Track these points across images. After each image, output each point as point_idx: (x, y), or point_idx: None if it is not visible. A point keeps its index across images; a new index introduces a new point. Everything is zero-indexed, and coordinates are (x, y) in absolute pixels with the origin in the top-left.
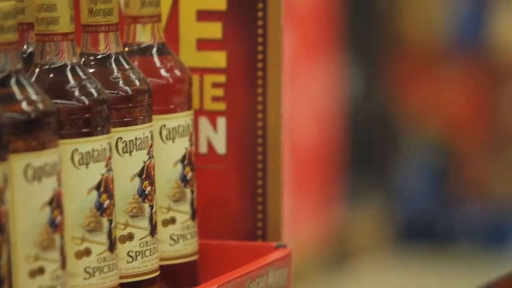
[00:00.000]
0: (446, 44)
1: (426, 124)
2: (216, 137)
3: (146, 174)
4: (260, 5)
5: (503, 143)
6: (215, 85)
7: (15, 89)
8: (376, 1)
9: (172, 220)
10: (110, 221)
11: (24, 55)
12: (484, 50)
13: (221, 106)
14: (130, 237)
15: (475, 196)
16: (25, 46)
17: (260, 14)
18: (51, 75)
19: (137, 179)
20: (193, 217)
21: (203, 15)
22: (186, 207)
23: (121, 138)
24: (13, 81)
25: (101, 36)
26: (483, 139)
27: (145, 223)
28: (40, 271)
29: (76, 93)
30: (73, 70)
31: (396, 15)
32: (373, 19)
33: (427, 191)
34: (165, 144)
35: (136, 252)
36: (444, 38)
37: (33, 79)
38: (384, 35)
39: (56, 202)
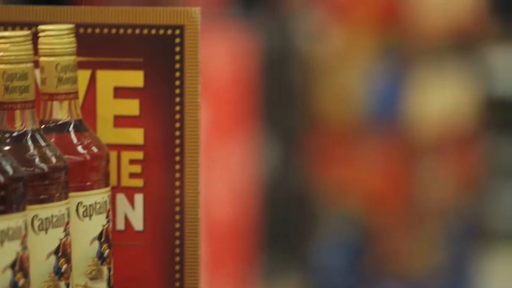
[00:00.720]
0: (364, 120)
1: (345, 200)
2: (134, 213)
3: (63, 252)
4: (177, 82)
5: (421, 219)
6: (133, 161)
7: None
8: (294, 77)
9: None
10: None
11: None
12: (401, 126)
13: (139, 182)
14: None
15: (393, 272)
16: None
17: (177, 91)
18: None
19: (53, 257)
20: None
21: (120, 92)
22: (103, 284)
23: (37, 215)
24: None
25: (17, 113)
26: (401, 214)
27: None
28: None
29: None
30: None
31: (314, 91)
32: (291, 95)
33: (346, 268)
34: (82, 221)
35: None
36: (361, 114)
37: None
38: (302, 110)
39: None
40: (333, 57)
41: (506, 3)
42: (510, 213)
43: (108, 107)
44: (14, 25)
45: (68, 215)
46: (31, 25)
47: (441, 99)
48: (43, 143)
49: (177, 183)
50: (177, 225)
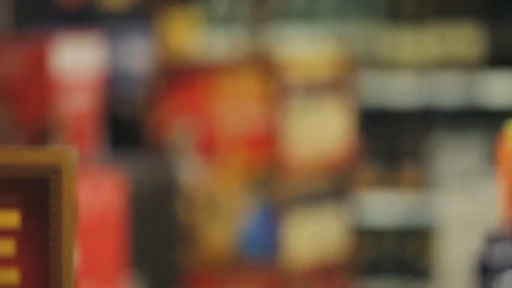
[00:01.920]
0: (238, 258)
1: None
2: None
3: None
4: (53, 221)
5: None
6: None
7: None
8: (169, 217)
9: None
10: None
11: None
12: (276, 264)
13: None
14: None
15: None
16: None
17: (53, 230)
18: None
19: None
20: None
21: None
22: None
23: None
24: None
25: None
26: None
27: None
28: None
29: None
30: None
31: (188, 231)
32: (166, 235)
33: None
34: None
35: None
36: (235, 253)
37: None
38: (176, 251)
39: None
40: (207, 197)
41: (376, 149)
42: None
43: None
44: None
45: None
46: None
47: (314, 235)
48: None
49: None
50: None
